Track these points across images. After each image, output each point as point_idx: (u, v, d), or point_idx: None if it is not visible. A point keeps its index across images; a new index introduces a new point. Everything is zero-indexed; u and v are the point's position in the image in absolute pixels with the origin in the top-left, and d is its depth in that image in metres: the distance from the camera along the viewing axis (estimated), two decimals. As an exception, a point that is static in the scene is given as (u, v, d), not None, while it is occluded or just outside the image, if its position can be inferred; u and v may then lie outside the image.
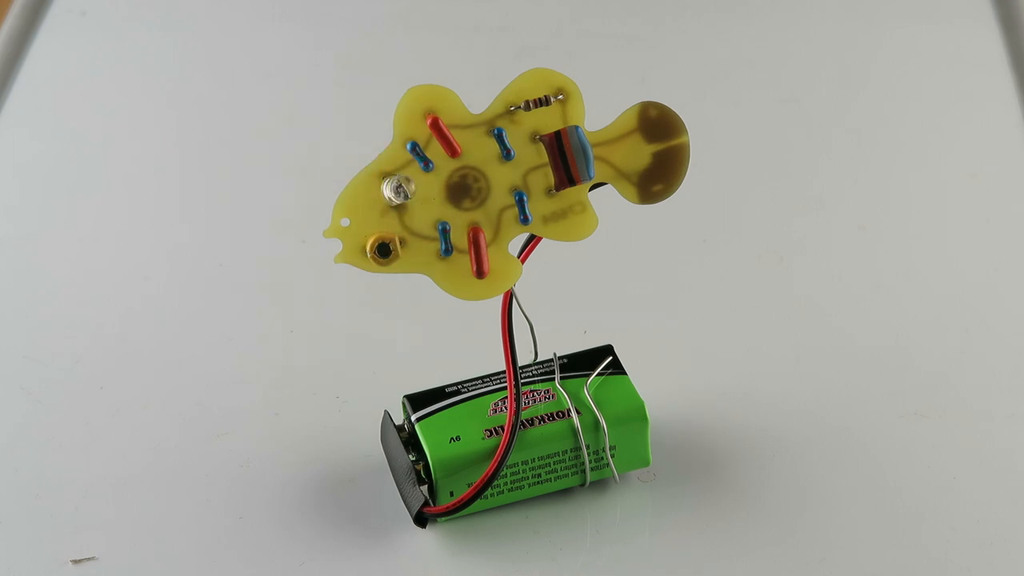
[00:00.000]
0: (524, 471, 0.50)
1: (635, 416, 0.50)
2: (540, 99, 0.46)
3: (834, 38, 0.72)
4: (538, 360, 0.52)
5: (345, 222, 0.46)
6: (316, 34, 0.73)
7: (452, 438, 0.49)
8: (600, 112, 0.47)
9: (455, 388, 0.51)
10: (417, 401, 0.51)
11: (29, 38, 0.72)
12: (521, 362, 0.50)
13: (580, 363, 0.52)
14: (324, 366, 0.57)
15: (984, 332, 0.57)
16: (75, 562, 0.50)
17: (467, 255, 0.46)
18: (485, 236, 0.46)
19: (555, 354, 0.52)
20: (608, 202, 0.47)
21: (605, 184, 0.47)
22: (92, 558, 0.50)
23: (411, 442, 0.50)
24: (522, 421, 0.50)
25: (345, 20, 0.74)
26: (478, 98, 0.47)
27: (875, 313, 0.58)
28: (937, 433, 0.53)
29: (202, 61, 0.72)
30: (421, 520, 0.50)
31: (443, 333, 0.57)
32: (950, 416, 0.54)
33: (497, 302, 0.48)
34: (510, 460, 0.49)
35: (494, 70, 0.48)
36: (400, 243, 0.46)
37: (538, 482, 0.50)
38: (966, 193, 0.63)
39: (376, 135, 0.47)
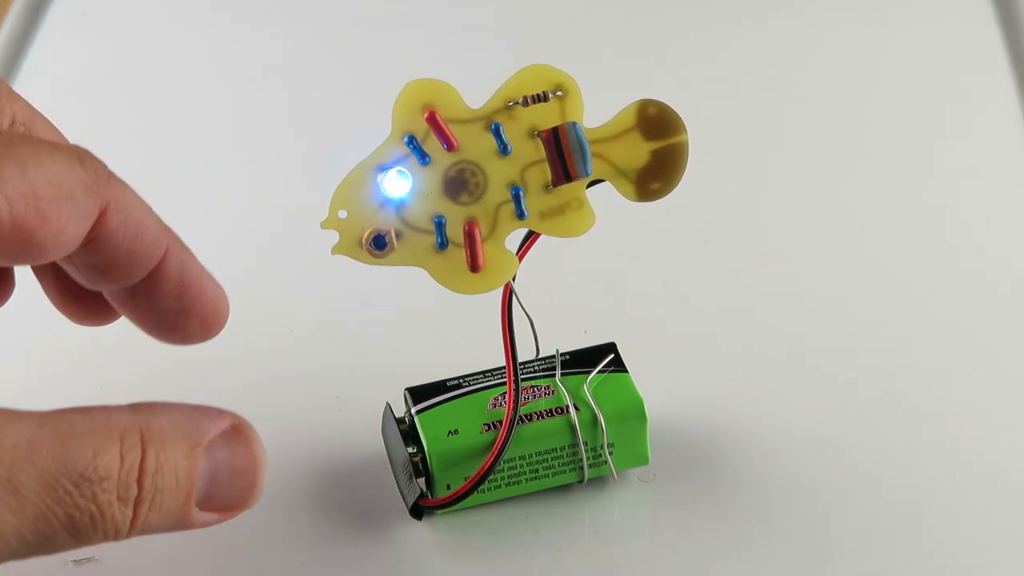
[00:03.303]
0: (521, 466, 0.50)
1: (634, 414, 0.50)
2: (538, 95, 0.46)
3: (834, 38, 0.72)
4: (541, 356, 0.52)
5: (342, 214, 0.46)
6: (316, 33, 0.73)
7: (450, 431, 0.50)
8: (599, 109, 0.47)
9: (457, 382, 0.51)
10: (418, 394, 0.51)
11: (29, 38, 0.72)
12: (525, 358, 0.50)
13: (582, 360, 0.52)
14: (324, 366, 0.57)
15: (984, 332, 0.57)
16: (75, 562, 0.50)
17: (463, 249, 0.46)
18: (481, 230, 0.46)
19: (557, 350, 0.52)
20: (610, 202, 0.47)
21: (603, 181, 0.47)
22: (92, 558, 0.50)
23: (411, 434, 0.50)
24: (520, 416, 0.50)
25: (345, 18, 0.74)
26: (477, 94, 0.47)
27: (875, 313, 0.58)
28: (937, 433, 0.53)
29: (202, 61, 0.72)
30: (417, 512, 0.50)
31: (445, 332, 0.57)
32: (950, 416, 0.54)
33: (500, 298, 0.48)
34: (507, 455, 0.49)
35: (493, 67, 0.48)
36: (396, 236, 0.46)
37: (535, 478, 0.50)
38: (966, 193, 0.63)
39: (377, 134, 0.47)
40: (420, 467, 0.50)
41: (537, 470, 0.50)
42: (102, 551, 0.50)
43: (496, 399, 0.50)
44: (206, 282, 0.47)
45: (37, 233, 0.40)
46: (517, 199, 0.46)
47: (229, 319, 0.59)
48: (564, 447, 0.50)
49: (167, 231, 0.45)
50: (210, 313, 0.47)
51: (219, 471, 0.41)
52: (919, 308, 0.58)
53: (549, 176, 0.47)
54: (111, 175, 0.43)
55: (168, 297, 0.46)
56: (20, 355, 0.58)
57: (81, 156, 0.42)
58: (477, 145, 0.46)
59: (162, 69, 0.72)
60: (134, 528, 0.40)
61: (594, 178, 0.47)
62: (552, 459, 0.50)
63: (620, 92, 0.49)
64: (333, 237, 0.46)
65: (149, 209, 0.45)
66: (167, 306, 0.46)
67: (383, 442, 0.52)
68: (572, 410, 0.50)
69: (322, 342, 0.58)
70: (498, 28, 0.73)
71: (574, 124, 0.46)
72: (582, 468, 0.50)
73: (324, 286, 0.60)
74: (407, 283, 0.49)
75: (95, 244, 0.43)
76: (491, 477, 0.49)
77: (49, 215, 0.40)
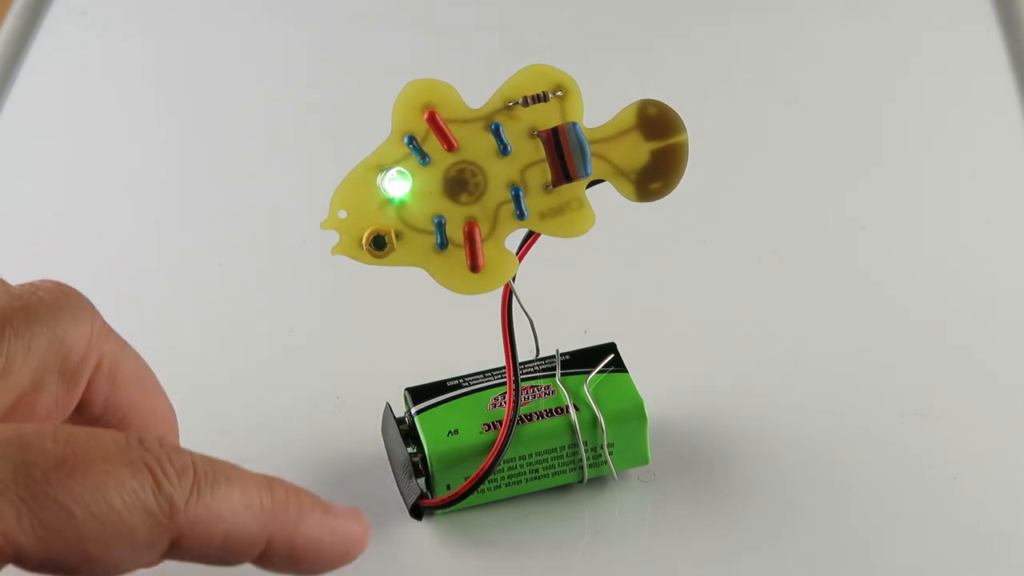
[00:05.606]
0: (521, 466, 0.50)
1: (634, 414, 0.50)
2: (538, 95, 0.46)
3: (834, 38, 0.72)
4: (541, 356, 0.52)
5: (343, 214, 0.46)
6: (316, 33, 0.73)
7: (450, 431, 0.50)
8: (599, 110, 0.47)
9: (457, 382, 0.51)
10: (418, 394, 0.51)
11: (29, 38, 0.72)
12: (525, 358, 0.50)
13: (582, 360, 0.52)
14: (324, 366, 0.57)
15: (984, 332, 0.57)
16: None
17: (463, 249, 0.46)
18: (481, 230, 0.46)
19: (557, 350, 0.52)
20: (610, 202, 0.47)
21: (603, 181, 0.47)
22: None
23: (410, 434, 0.50)
24: (520, 416, 0.50)
25: (345, 19, 0.74)
26: (477, 94, 0.47)
27: (875, 313, 0.58)
28: (937, 433, 0.53)
29: (202, 61, 0.72)
30: (417, 512, 0.50)
31: (445, 332, 0.57)
32: (950, 416, 0.54)
33: (500, 298, 0.48)
34: (507, 455, 0.49)
35: (493, 67, 0.48)
36: (396, 236, 0.46)
37: (535, 478, 0.50)
38: (967, 193, 0.63)
39: (377, 134, 0.47)
40: (420, 467, 0.50)
41: (537, 470, 0.50)
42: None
43: (496, 399, 0.50)
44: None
45: None
46: (517, 199, 0.46)
47: (229, 319, 0.59)
48: (564, 447, 0.50)
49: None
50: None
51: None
52: (919, 308, 0.58)
53: (549, 176, 0.47)
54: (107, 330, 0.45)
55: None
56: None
57: None
58: (477, 145, 0.46)
59: (162, 69, 0.72)
60: None
61: (594, 178, 0.47)
62: (552, 459, 0.50)
63: (620, 92, 0.49)
64: (333, 237, 0.46)
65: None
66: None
67: (383, 442, 0.52)
68: (572, 410, 0.50)
69: (322, 342, 0.58)
70: (498, 28, 0.73)
71: (574, 124, 0.46)
72: (582, 468, 0.50)
73: (324, 286, 0.60)
74: (407, 283, 0.49)
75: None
76: (491, 477, 0.49)
77: None
